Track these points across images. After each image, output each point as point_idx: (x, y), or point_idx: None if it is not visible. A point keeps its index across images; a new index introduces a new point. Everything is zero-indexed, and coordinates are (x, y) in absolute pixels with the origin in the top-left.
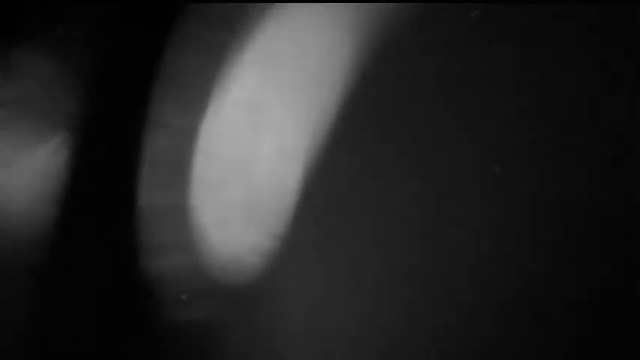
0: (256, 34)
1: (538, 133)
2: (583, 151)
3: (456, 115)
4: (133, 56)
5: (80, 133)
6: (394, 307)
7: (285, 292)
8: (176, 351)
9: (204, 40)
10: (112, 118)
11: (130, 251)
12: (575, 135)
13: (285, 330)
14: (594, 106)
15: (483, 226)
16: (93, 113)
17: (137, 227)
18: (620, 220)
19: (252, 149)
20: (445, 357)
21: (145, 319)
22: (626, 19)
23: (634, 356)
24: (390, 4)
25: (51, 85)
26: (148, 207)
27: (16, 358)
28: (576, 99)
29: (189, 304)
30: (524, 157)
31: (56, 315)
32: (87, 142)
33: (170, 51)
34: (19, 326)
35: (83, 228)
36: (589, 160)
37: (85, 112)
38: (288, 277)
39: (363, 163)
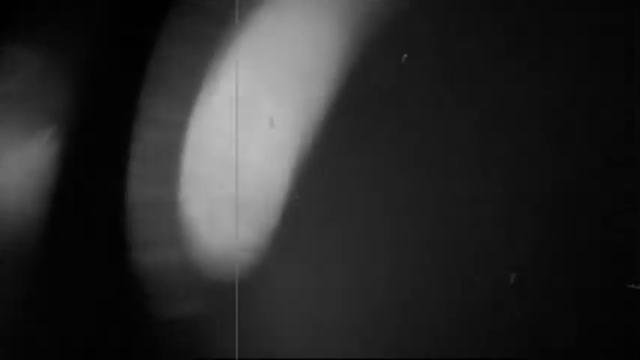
0: (247, 28)
1: (534, 132)
2: (581, 150)
3: (449, 112)
4: (124, 51)
5: (71, 128)
6: (386, 303)
7: (275, 289)
8: (166, 348)
9: (194, 34)
10: (102, 113)
11: (120, 247)
12: (573, 133)
13: (275, 327)
14: (592, 104)
15: (478, 225)
16: (83, 108)
17: (127, 223)
18: (618, 219)
19: (242, 145)
20: (439, 354)
21: (136, 316)
22: (626, 17)
23: (632, 356)
24: None
25: (41, 81)
26: (138, 203)
27: (5, 356)
28: (573, 97)
29: (178, 301)
30: (519, 155)
31: (46, 312)
32: (77, 138)
33: (161, 45)
34: (10, 323)
35: (73, 224)
36: (587, 159)
37: (75, 108)
38: (279, 273)
39: (353, 159)
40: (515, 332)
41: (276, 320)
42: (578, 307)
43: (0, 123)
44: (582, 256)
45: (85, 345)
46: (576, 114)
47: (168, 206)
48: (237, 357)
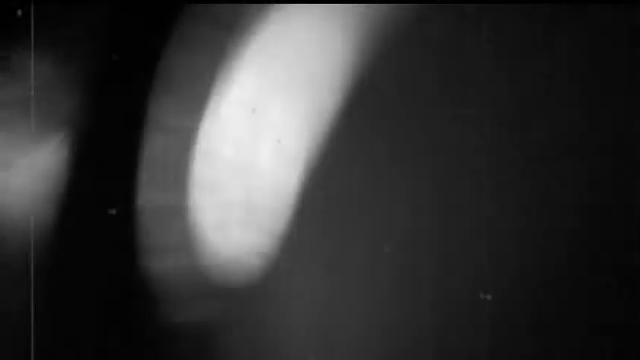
0: (255, 34)
1: (537, 134)
2: (582, 152)
3: (455, 115)
4: (132, 56)
5: (79, 133)
6: (394, 307)
7: (284, 293)
8: (175, 352)
9: (203, 40)
10: (110, 118)
11: (129, 252)
12: (575, 135)
13: (284, 331)
14: (594, 106)
15: (482, 227)
16: (92, 114)
17: (136, 228)
18: (619, 219)
19: (251, 150)
20: (446, 356)
21: (145, 321)
22: (626, 18)
23: (634, 357)
24: (388, 4)
25: (50, 86)
26: (147, 208)
27: (14, 358)
28: (576, 99)
29: (188, 305)
30: (522, 157)
31: (55, 315)
32: (86, 143)
33: (169, 51)
34: (18, 326)
35: (82, 229)
36: (588, 161)
37: (83, 113)
38: (287, 277)
39: (361, 163)
40: (516, 332)
41: (286, 324)
42: (578, 307)
43: (9, 128)
44: (583, 257)
45: (91, 349)
46: (578, 115)
47: (178, 212)
48: None
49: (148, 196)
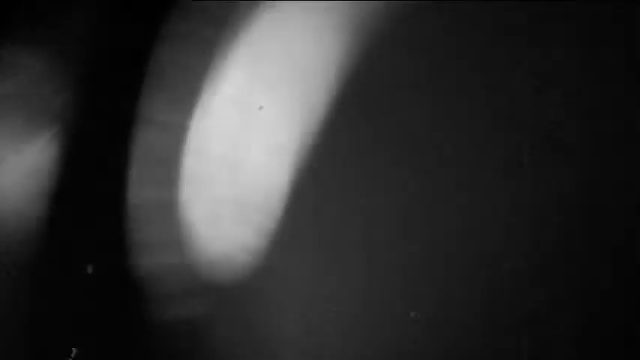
0: (246, 31)
1: (532, 132)
2: (578, 151)
3: (448, 114)
4: (123, 53)
5: (70, 130)
6: (385, 305)
7: (274, 290)
8: (165, 349)
9: (194, 36)
10: (101, 114)
11: (120, 249)
12: (570, 134)
13: (274, 327)
14: (590, 105)
15: (476, 226)
16: (83, 110)
17: (127, 224)
18: (616, 219)
19: (242, 146)
20: (436, 355)
21: (135, 317)
22: (622, 17)
23: (632, 357)
24: (380, 2)
25: (41, 82)
26: (138, 204)
27: (4, 356)
28: (571, 98)
29: (178, 302)
30: (517, 156)
31: (45, 313)
32: (77, 139)
33: (160, 48)
34: (8, 324)
35: (73, 225)
36: (583, 160)
37: (75, 109)
38: (278, 274)
39: (353, 160)
40: (515, 332)
41: (277, 322)
42: (578, 308)
43: (0, 125)
44: (581, 257)
45: (84, 345)
46: (575, 116)
47: (169, 208)
48: (237, 359)
49: (139, 192)
